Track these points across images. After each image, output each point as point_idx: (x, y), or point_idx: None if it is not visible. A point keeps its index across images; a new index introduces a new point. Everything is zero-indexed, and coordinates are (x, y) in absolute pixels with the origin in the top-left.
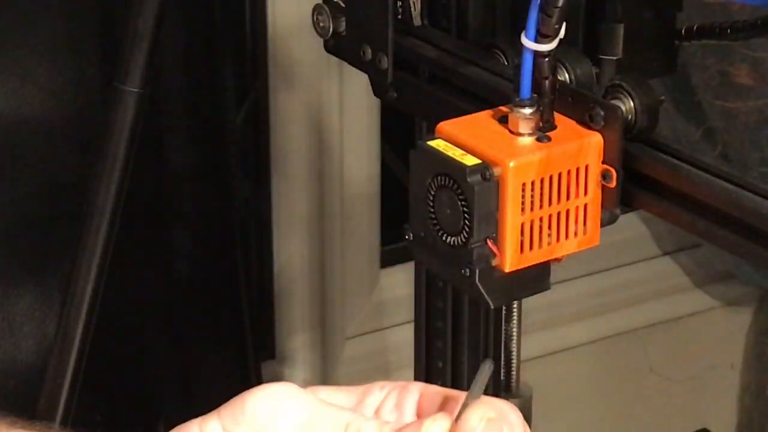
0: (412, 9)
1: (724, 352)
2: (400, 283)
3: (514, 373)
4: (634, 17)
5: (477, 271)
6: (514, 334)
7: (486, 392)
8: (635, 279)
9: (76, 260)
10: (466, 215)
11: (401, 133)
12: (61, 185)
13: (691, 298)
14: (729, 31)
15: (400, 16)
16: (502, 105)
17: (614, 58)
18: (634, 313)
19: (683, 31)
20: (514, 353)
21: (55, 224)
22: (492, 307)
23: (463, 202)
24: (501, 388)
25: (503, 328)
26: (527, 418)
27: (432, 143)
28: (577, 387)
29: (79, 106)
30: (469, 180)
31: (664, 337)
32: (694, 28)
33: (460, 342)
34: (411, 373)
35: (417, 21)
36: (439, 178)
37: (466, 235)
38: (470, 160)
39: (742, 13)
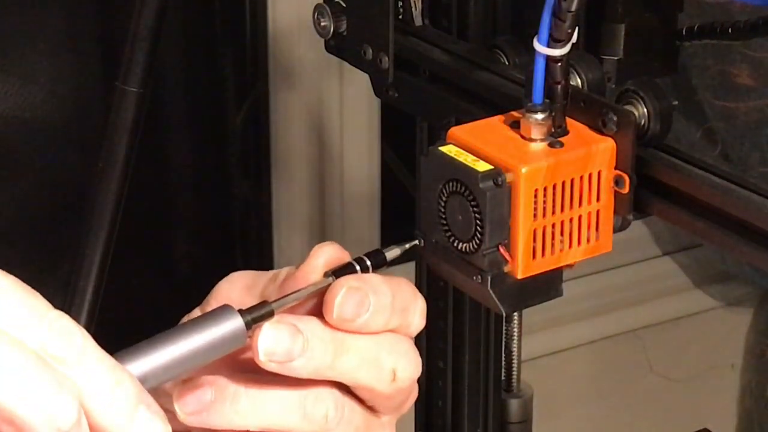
0: (413, 9)
1: (724, 352)
2: None
3: (514, 372)
4: (635, 17)
5: (489, 277)
6: (515, 334)
7: (486, 391)
8: (635, 279)
9: (76, 260)
10: (478, 221)
11: (401, 133)
12: (61, 185)
13: (691, 298)
14: (729, 31)
15: (401, 16)
16: (504, 105)
17: (615, 58)
18: (634, 313)
19: (683, 31)
20: (515, 353)
21: (55, 224)
22: (504, 314)
23: (475, 209)
24: (502, 387)
25: (504, 328)
26: (528, 417)
27: (443, 149)
28: (577, 387)
29: (80, 106)
30: (481, 186)
31: (664, 337)
32: (695, 28)
33: (461, 342)
34: None
35: (418, 21)
36: (450, 184)
37: (478, 242)
38: (482, 166)
39: (742, 13)
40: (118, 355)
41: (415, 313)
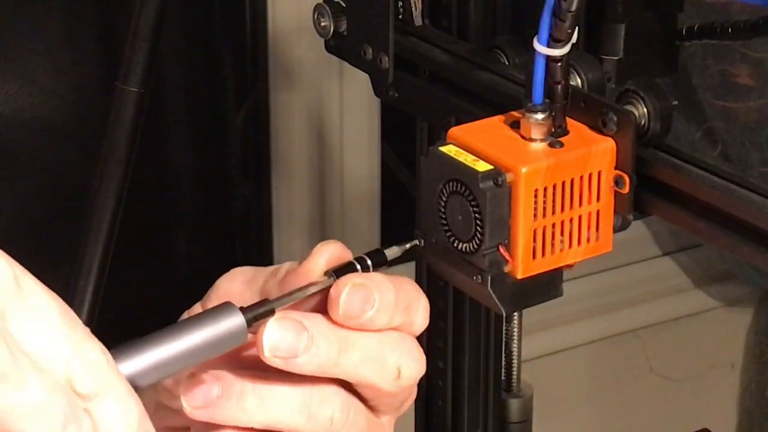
0: (413, 9)
1: (724, 352)
2: None
3: (515, 372)
4: (635, 17)
5: (489, 277)
6: (515, 334)
7: (486, 391)
8: (635, 279)
9: (76, 260)
10: (478, 221)
11: (401, 133)
12: (61, 185)
13: (691, 298)
14: (729, 31)
15: (401, 16)
16: (504, 105)
17: (615, 58)
18: (634, 313)
19: (683, 31)
20: (515, 353)
21: (55, 224)
22: (504, 314)
23: (475, 209)
24: (502, 387)
25: (504, 328)
26: (528, 417)
27: (443, 149)
28: (577, 387)
29: (80, 106)
30: (481, 186)
31: (664, 337)
32: (695, 28)
33: (461, 342)
34: None
35: (418, 21)
36: (450, 184)
37: (478, 242)
38: (482, 166)
39: (742, 13)
40: (120, 349)
41: (418, 312)
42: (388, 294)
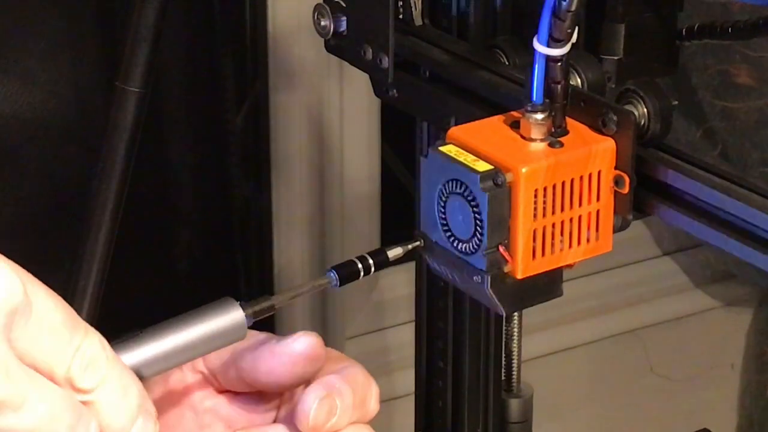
0: (413, 9)
1: (724, 352)
2: (400, 283)
3: (515, 373)
4: (635, 17)
5: (489, 278)
6: (515, 334)
7: (486, 391)
8: (635, 279)
9: (76, 260)
10: (478, 222)
11: (401, 133)
12: (61, 185)
13: (691, 298)
14: (729, 31)
15: (401, 16)
16: (504, 105)
17: (615, 58)
18: (634, 313)
19: (683, 31)
20: (515, 353)
21: (55, 224)
22: (504, 314)
23: (475, 209)
24: (502, 387)
25: (504, 328)
26: (528, 417)
27: (443, 149)
28: (577, 387)
29: (80, 105)
30: (481, 186)
31: (664, 337)
32: (695, 28)
33: (461, 342)
34: (411, 373)
35: (418, 21)
36: (450, 184)
37: (478, 242)
38: (482, 166)
39: (742, 13)
40: (121, 341)
41: (371, 400)
42: (347, 398)
